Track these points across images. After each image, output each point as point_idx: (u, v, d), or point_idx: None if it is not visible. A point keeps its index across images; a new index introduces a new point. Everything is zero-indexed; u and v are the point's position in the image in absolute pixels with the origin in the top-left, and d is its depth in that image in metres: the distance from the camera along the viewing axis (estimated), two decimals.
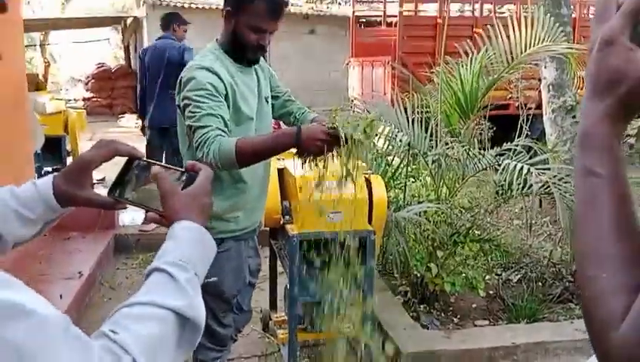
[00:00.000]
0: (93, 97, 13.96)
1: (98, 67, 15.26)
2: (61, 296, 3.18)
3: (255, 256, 2.27)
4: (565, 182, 2.77)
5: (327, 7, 16.28)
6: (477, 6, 8.29)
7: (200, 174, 0.92)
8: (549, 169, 3.10)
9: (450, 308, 3.52)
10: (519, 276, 3.96)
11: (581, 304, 0.61)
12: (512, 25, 3.54)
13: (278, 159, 2.68)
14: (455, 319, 3.41)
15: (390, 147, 3.26)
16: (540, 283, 3.77)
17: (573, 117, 4.90)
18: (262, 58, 2.10)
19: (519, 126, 5.74)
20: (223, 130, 1.81)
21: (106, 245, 4.11)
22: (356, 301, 2.85)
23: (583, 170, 0.59)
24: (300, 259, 2.48)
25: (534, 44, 3.54)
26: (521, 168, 2.81)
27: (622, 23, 0.56)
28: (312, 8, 15.03)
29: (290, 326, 2.58)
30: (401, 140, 3.14)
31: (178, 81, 1.96)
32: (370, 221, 2.60)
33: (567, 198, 2.73)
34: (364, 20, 10.58)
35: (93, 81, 14.17)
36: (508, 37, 3.53)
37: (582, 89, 6.28)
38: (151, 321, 0.71)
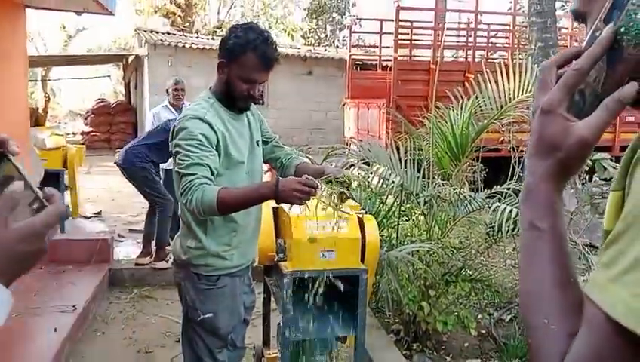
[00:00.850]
0: (92, 132, 14.11)
1: (98, 102, 15.49)
2: (55, 329, 3.19)
3: (250, 292, 2.32)
4: None
5: (325, 50, 16.71)
6: (469, 52, 8.56)
7: (45, 210, 0.70)
8: None
9: (443, 347, 3.55)
10: (511, 316, 4.00)
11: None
12: (501, 73, 3.70)
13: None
14: (447, 358, 3.43)
15: (384, 187, 3.35)
16: None
17: None
18: (252, 104, 2.21)
19: (511, 168, 5.87)
20: (208, 179, 1.92)
21: (100, 279, 4.13)
22: (349, 340, 2.90)
23: (526, 223, 0.64)
24: (293, 298, 2.52)
25: (523, 91, 3.70)
26: (510, 211, 2.89)
27: (559, 96, 0.62)
28: (310, 51, 15.42)
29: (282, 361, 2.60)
30: (393, 181, 3.23)
31: (171, 129, 2.06)
32: (362, 260, 2.66)
33: None
34: (360, 63, 10.87)
35: (92, 115, 14.36)
36: (497, 84, 3.69)
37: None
38: None
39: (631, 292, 0.51)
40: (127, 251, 5.11)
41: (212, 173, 1.94)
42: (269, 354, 3.11)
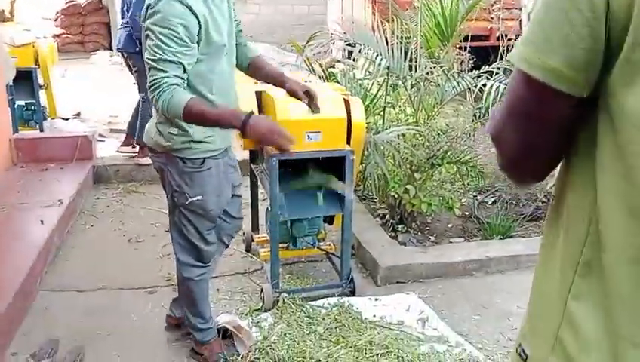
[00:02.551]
0: (63, 34, 13.41)
1: (67, 2, 14.58)
2: (42, 222, 3.19)
3: (235, 171, 2.29)
4: None
5: None
6: None
7: None
8: None
9: (427, 228, 3.64)
10: (494, 198, 4.08)
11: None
12: None
13: (255, 83, 2.66)
14: (432, 237, 3.52)
15: (369, 72, 3.25)
16: (514, 204, 3.90)
17: None
18: None
19: (499, 56, 5.73)
20: (180, 78, 1.82)
21: (84, 175, 4.08)
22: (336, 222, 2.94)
23: None
24: (280, 179, 2.51)
25: None
26: (498, 87, 2.83)
27: None
28: None
29: (272, 243, 2.64)
30: (380, 64, 3.12)
31: (145, 5, 1.86)
32: (348, 142, 2.63)
33: None
34: None
35: (62, 16, 13.55)
36: None
37: None
38: None
39: (521, 41, 0.71)
40: (110, 150, 5.03)
41: (184, 72, 1.84)
42: (258, 237, 3.17)
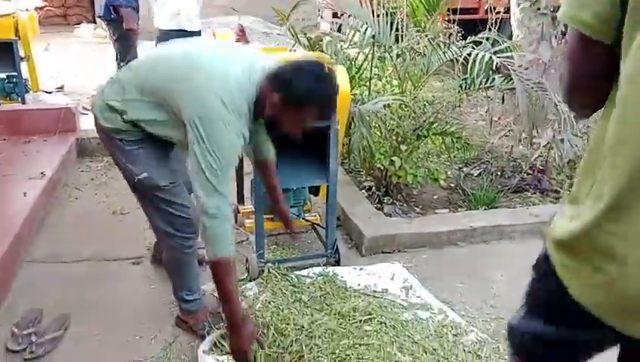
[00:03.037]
0: (45, 6, 13.09)
1: None
2: (25, 194, 3.16)
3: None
4: (526, 68, 2.81)
5: None
6: None
7: None
8: (512, 59, 3.12)
9: (413, 200, 3.66)
10: (480, 171, 4.10)
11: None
12: None
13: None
14: (417, 209, 3.55)
15: (355, 40, 3.22)
16: (499, 175, 3.92)
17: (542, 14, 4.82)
18: None
19: (488, 29, 5.70)
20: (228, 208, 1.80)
21: (68, 147, 4.04)
22: (321, 193, 2.94)
23: None
24: None
25: None
26: (483, 56, 2.82)
27: None
28: None
29: (257, 213, 2.64)
30: (365, 33, 3.08)
31: (196, 108, 1.74)
32: None
33: (525, 84, 2.78)
34: None
35: None
36: None
37: None
38: None
39: (564, 1, 0.96)
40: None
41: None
42: (244, 209, 3.17)
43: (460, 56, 3.01)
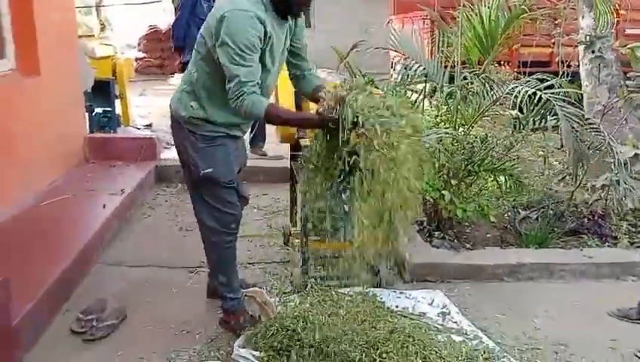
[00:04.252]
0: (144, 58, 14.49)
1: (150, 29, 15.76)
2: (104, 206, 3.54)
3: (243, 153, 2.58)
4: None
5: None
6: None
7: None
8: (564, 100, 3.15)
9: (464, 236, 3.67)
10: (538, 215, 4.05)
11: None
12: None
13: None
14: (467, 245, 3.56)
15: (408, 77, 3.41)
16: (557, 219, 3.86)
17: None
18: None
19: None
20: (258, 85, 2.08)
21: (147, 172, 4.46)
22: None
23: None
24: (313, 169, 2.69)
25: None
26: (527, 91, 2.90)
27: None
28: None
29: (302, 230, 2.82)
30: (416, 71, 3.27)
31: (219, 17, 2.08)
32: None
33: (572, 120, 2.82)
34: None
35: (145, 42, 14.70)
36: None
37: (616, 39, 6.14)
38: None
39: None
40: (174, 155, 5.42)
41: (258, 78, 2.10)
42: (295, 230, 3.35)
43: (509, 94, 3.09)
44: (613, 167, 3.25)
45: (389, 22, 9.52)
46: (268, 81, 2.26)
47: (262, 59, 2.14)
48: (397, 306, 2.71)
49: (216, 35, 2.09)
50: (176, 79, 12.78)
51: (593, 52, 4.55)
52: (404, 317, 2.61)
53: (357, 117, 1.98)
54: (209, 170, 2.28)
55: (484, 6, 3.57)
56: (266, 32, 2.08)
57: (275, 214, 4.06)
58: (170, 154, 5.38)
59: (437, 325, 2.57)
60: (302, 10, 2.22)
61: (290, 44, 2.38)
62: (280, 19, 2.20)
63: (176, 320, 2.58)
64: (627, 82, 4.26)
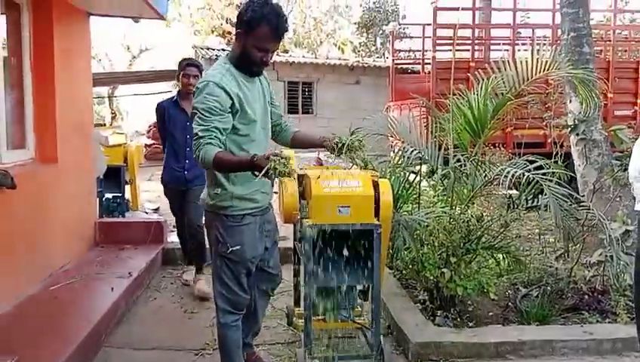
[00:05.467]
0: (153, 144, 15.03)
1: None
2: (112, 289, 3.63)
3: (274, 227, 2.73)
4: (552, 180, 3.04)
5: (374, 61, 17.03)
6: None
7: None
8: (551, 180, 3.32)
9: (467, 315, 3.71)
10: (538, 292, 4.09)
11: None
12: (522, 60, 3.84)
13: (301, 168, 3.09)
14: (470, 323, 3.59)
15: (402, 159, 3.62)
16: (558, 296, 3.90)
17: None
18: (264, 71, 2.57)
19: (554, 162, 5.90)
20: (217, 139, 2.31)
21: (154, 255, 4.58)
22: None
23: None
24: (314, 248, 2.81)
25: (541, 70, 3.84)
26: (516, 172, 3.07)
27: None
28: (358, 61, 15.77)
29: (306, 307, 2.88)
30: (412, 154, 3.48)
31: (195, 91, 2.42)
32: (377, 218, 2.92)
33: (560, 199, 2.97)
34: (405, 69, 11.11)
35: (154, 129, 15.34)
36: (515, 65, 3.85)
37: (605, 120, 6.44)
38: None
39: None
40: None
41: (222, 133, 2.33)
42: (298, 310, 3.41)
43: (499, 175, 3.26)
44: (605, 243, 3.36)
45: (387, 108, 10.00)
46: (256, 130, 2.47)
47: (243, 112, 2.39)
48: None
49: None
50: None
51: (578, 135, 4.80)
52: None
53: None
54: (237, 247, 2.43)
55: (473, 94, 3.85)
56: (228, 93, 2.33)
57: (279, 295, 4.12)
58: (176, 238, 5.52)
59: None
60: (261, 68, 2.47)
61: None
62: (248, 77, 2.46)
63: None
64: (614, 161, 4.46)
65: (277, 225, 2.76)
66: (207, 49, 15.01)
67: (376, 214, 2.91)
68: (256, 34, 2.33)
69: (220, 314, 2.52)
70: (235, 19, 2.50)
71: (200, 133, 2.30)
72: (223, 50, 16.03)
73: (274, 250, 2.74)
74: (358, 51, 22.16)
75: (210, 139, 2.29)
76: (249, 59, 2.39)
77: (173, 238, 5.36)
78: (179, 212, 4.41)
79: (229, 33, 21.71)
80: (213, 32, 21.81)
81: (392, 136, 4.16)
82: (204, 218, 2.61)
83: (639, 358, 3.10)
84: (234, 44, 2.45)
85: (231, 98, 2.35)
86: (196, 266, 4.28)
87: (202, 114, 2.31)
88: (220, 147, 2.31)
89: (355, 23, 23.01)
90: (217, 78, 2.35)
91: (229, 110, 2.35)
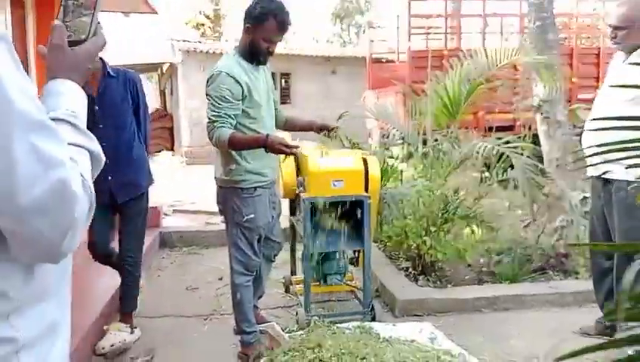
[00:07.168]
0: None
1: (155, 111, 16.38)
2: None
3: (278, 200, 3.09)
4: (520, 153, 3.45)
5: (353, 49, 17.31)
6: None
7: (88, 40, 0.99)
8: (522, 154, 3.72)
9: (446, 277, 4.11)
10: (510, 258, 4.53)
11: None
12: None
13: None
14: (449, 285, 3.99)
15: (386, 140, 3.98)
16: (527, 260, 4.33)
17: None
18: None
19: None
20: (229, 124, 2.64)
21: (152, 239, 4.84)
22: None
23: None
24: (311, 218, 3.16)
25: (509, 57, 4.25)
26: (481, 145, 3.46)
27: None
28: (336, 56, 16.06)
29: (305, 273, 3.23)
30: (394, 135, 3.85)
31: (207, 79, 2.74)
32: (367, 191, 3.27)
33: (524, 164, 3.38)
34: (381, 59, 11.48)
35: (152, 122, 15.44)
36: (486, 52, 4.25)
37: (570, 103, 6.93)
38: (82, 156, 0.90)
39: None
40: (175, 222, 5.84)
41: (232, 118, 2.66)
42: (295, 278, 3.76)
43: (477, 152, 3.66)
44: (567, 209, 3.79)
45: (364, 97, 10.37)
46: (262, 112, 2.80)
47: (251, 97, 2.72)
48: (390, 336, 3.09)
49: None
50: (162, 156, 13.33)
51: (542, 114, 5.23)
52: (398, 344, 2.99)
53: None
54: (251, 215, 2.77)
55: (448, 79, 4.23)
56: (238, 81, 2.66)
57: (276, 270, 4.45)
58: (171, 222, 5.81)
59: (427, 348, 2.96)
60: (267, 57, 2.80)
61: None
62: (254, 66, 2.79)
63: (198, 359, 2.93)
64: (574, 138, 4.90)
65: (280, 201, 3.10)
66: (184, 41, 15.10)
67: (366, 188, 3.27)
68: (264, 27, 2.66)
69: (234, 275, 2.84)
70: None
71: (213, 118, 2.63)
72: (199, 42, 16.15)
73: (277, 220, 3.08)
74: (332, 42, 22.50)
75: (223, 123, 2.62)
76: (257, 50, 2.71)
77: (168, 223, 5.65)
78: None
79: (202, 25, 21.80)
80: (187, 24, 21.84)
81: (371, 122, 4.54)
82: (218, 192, 2.91)
83: (595, 307, 3.54)
84: (242, 38, 2.76)
85: (240, 86, 2.67)
86: (122, 311, 3.17)
87: (215, 101, 2.64)
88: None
89: (332, 14, 23.32)
90: (228, 68, 2.67)
91: (240, 98, 2.67)
